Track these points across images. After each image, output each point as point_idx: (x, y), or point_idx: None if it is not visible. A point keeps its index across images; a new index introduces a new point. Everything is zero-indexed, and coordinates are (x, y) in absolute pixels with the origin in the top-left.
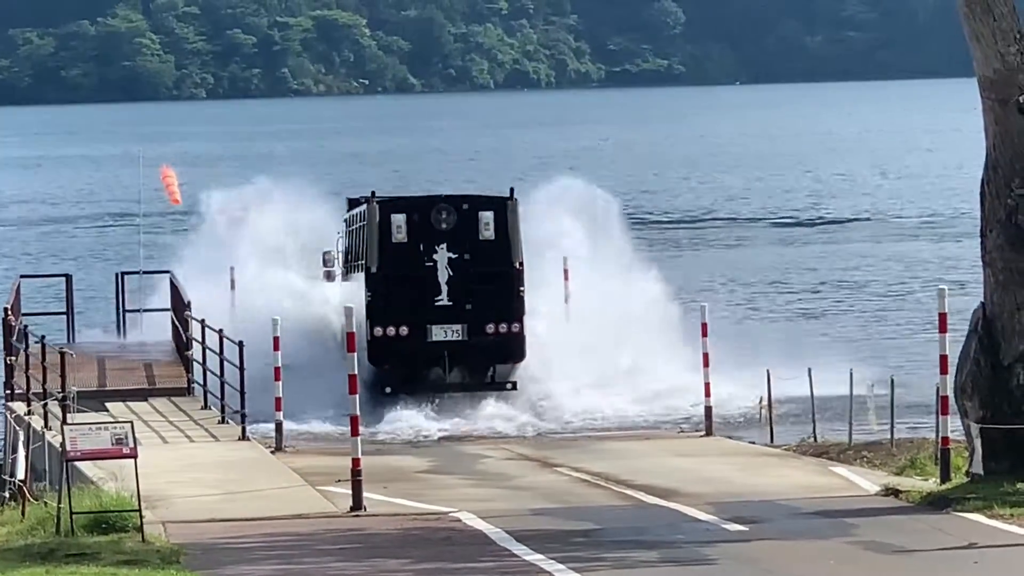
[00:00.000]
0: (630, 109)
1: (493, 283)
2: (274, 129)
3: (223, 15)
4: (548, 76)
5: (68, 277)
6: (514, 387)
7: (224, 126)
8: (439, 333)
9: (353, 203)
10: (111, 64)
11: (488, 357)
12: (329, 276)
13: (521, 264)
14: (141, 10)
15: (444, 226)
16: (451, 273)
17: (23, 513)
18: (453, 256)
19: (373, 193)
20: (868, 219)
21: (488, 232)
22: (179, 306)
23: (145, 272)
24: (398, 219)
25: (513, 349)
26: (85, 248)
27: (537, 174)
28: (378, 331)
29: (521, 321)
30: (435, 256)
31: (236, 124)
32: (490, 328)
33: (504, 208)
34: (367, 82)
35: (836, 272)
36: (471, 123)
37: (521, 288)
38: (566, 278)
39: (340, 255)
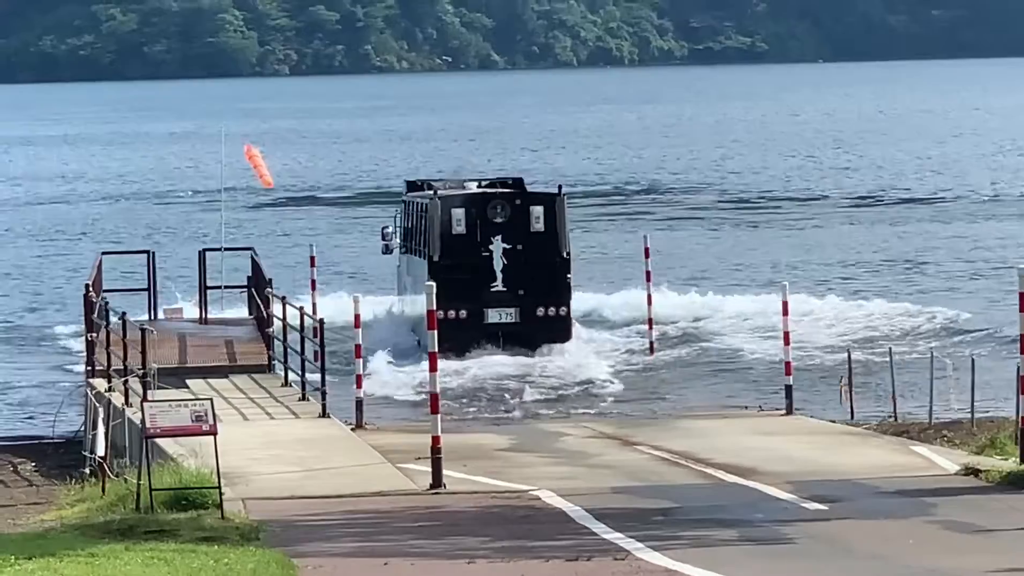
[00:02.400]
0: (723, 85)
1: (543, 271)
2: (356, 106)
3: None
4: (631, 53)
5: (150, 254)
6: None
7: (307, 102)
8: (494, 316)
9: (411, 185)
10: (194, 40)
11: (538, 337)
12: (387, 249)
13: (568, 254)
14: None
15: (499, 219)
16: (505, 262)
17: (103, 489)
18: (507, 247)
19: (436, 191)
20: (965, 198)
21: (539, 225)
22: (260, 283)
23: (227, 249)
24: (458, 213)
25: (560, 330)
26: (167, 225)
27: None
28: (440, 314)
29: (568, 305)
30: (491, 247)
31: (319, 101)
32: (540, 311)
33: (553, 203)
34: (450, 59)
35: (920, 252)
36: (558, 99)
37: (568, 275)
38: (647, 255)
39: (399, 230)
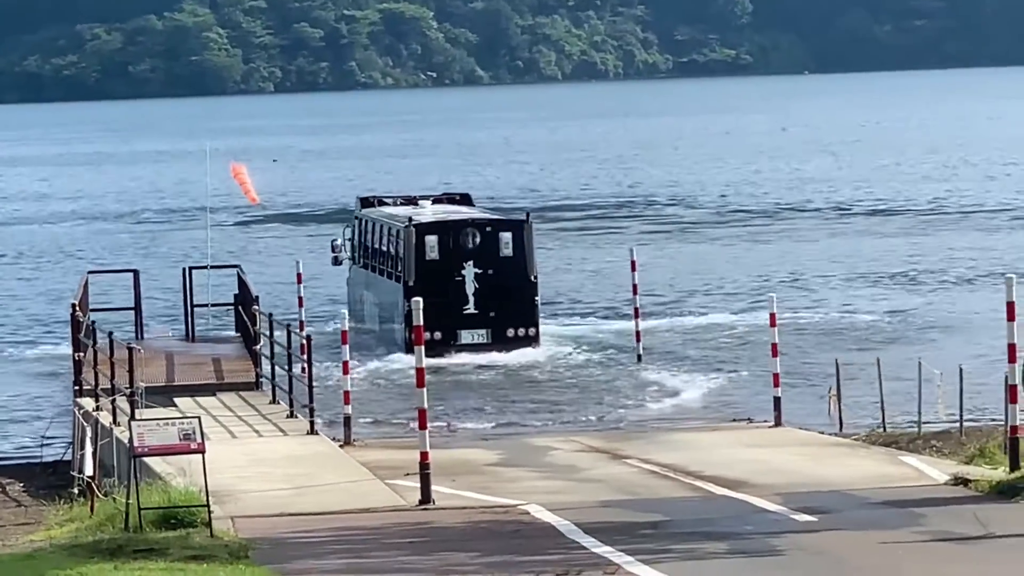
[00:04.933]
0: (706, 99)
1: (512, 294)
2: (340, 123)
3: (290, 9)
4: (616, 67)
5: (136, 272)
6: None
7: (291, 120)
8: (467, 337)
9: (364, 201)
10: (178, 59)
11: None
12: (336, 261)
13: (535, 277)
14: (208, 4)
15: (470, 245)
16: (477, 286)
17: (92, 509)
18: (478, 271)
19: (411, 218)
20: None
21: (508, 250)
22: (247, 300)
23: (213, 267)
24: (431, 240)
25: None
26: (153, 244)
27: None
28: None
29: (537, 326)
30: (463, 271)
31: (303, 118)
32: (510, 332)
33: (521, 229)
34: (434, 75)
35: (906, 261)
36: (550, 114)
37: (536, 297)
38: (633, 269)
39: (348, 244)
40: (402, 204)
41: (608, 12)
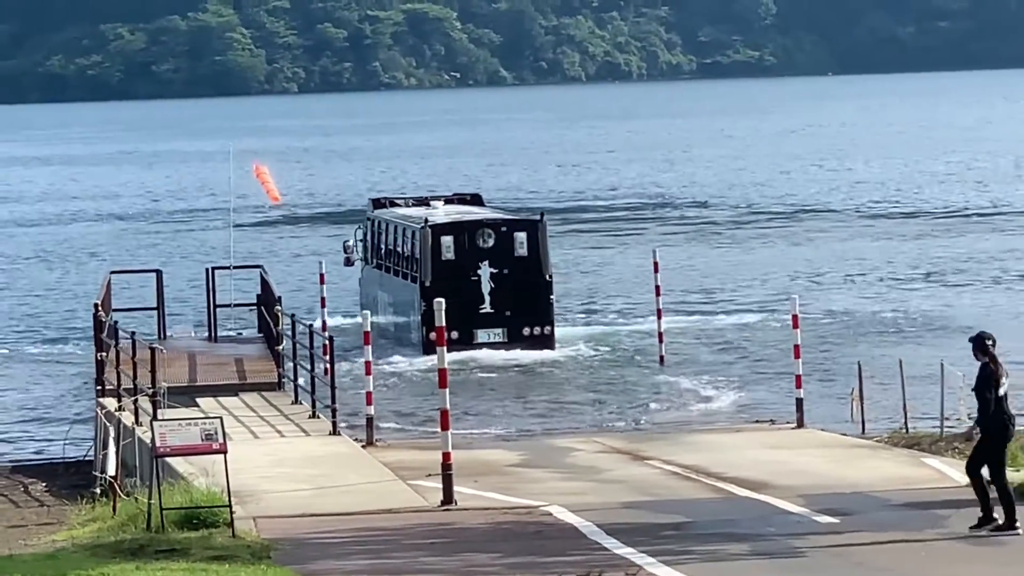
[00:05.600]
0: (732, 99)
1: (527, 293)
2: (364, 123)
3: (314, 9)
4: (640, 68)
5: (159, 273)
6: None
7: (315, 120)
8: (483, 336)
9: (376, 203)
10: (202, 59)
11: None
12: (348, 262)
13: (551, 276)
14: (232, 5)
15: (486, 245)
16: (492, 285)
17: (114, 509)
18: (494, 271)
19: (426, 219)
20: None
21: (522, 250)
22: (269, 300)
23: (236, 267)
24: (447, 240)
25: (545, 348)
26: (176, 244)
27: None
28: (432, 335)
29: (552, 324)
30: (479, 271)
31: (326, 119)
32: (526, 331)
33: (536, 229)
34: (458, 75)
35: (930, 262)
36: (569, 115)
37: (551, 296)
38: (656, 270)
39: (360, 244)
40: (414, 205)
41: (632, 13)
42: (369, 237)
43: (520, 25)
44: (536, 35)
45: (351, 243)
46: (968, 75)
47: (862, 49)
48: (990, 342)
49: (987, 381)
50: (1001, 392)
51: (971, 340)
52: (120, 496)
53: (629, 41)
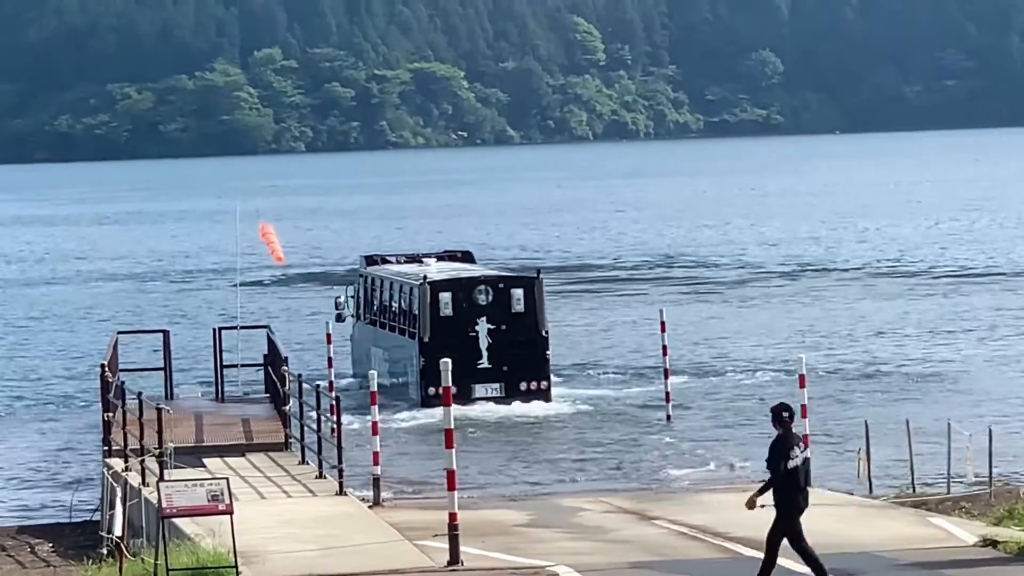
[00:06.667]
0: (738, 158)
1: (524, 348)
2: (371, 182)
3: (321, 68)
4: (647, 127)
5: (166, 333)
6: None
7: (322, 179)
8: (481, 391)
9: (369, 260)
10: (209, 118)
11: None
12: (339, 318)
13: (547, 332)
14: (239, 64)
15: (483, 302)
16: (490, 341)
17: (120, 570)
18: (491, 327)
19: (425, 276)
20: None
21: (519, 306)
22: (276, 361)
23: (243, 327)
24: (445, 297)
25: (542, 401)
26: (183, 304)
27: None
28: (431, 390)
29: (548, 379)
30: (476, 327)
31: (334, 178)
32: (523, 386)
33: (532, 285)
34: (465, 134)
35: (936, 320)
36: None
37: (547, 351)
38: (663, 330)
39: (351, 301)
40: (406, 262)
41: (639, 72)
42: (362, 293)
43: (527, 84)
44: (543, 94)
45: (343, 299)
46: (975, 133)
47: (869, 107)
48: (787, 414)
49: (779, 453)
50: (791, 465)
51: (771, 411)
52: (127, 557)
53: (636, 100)
